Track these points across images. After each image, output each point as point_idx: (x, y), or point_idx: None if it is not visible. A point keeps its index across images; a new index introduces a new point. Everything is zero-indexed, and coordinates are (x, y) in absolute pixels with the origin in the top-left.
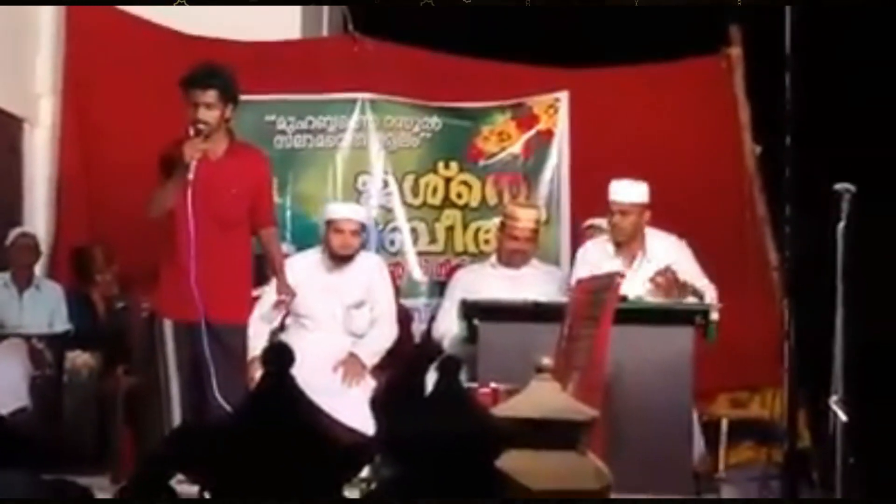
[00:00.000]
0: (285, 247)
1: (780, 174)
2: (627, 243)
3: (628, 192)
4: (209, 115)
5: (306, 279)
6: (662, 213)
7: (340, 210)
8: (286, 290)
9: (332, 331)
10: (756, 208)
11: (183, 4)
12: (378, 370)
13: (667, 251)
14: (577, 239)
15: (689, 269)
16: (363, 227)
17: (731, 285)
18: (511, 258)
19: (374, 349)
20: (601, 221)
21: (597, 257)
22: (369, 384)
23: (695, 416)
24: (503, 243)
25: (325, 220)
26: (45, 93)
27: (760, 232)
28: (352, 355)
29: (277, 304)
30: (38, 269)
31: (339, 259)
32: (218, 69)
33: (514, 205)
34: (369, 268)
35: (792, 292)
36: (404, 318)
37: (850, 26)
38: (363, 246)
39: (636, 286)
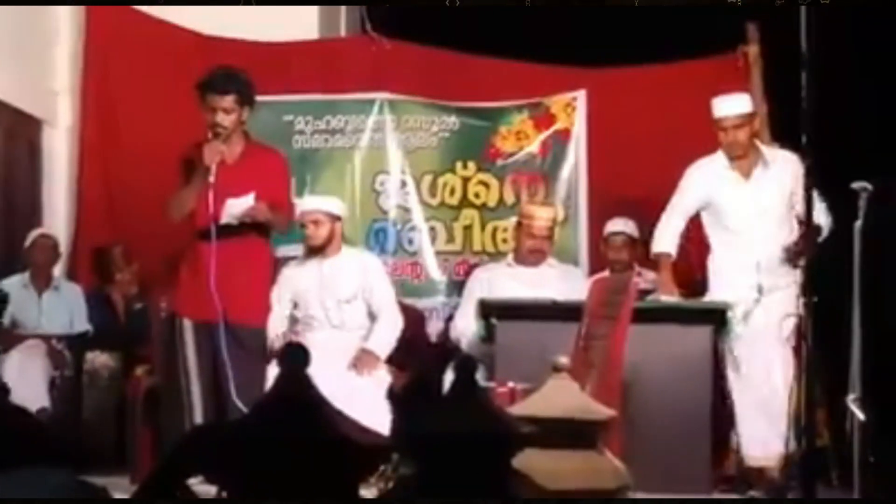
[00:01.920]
0: (297, 248)
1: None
2: (743, 157)
3: (733, 104)
4: (227, 120)
5: (296, 276)
6: None
7: (306, 202)
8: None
9: (328, 326)
10: None
11: (202, 4)
12: (395, 369)
13: (785, 162)
14: (596, 243)
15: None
16: (337, 218)
17: None
18: (528, 257)
19: (384, 340)
20: (621, 225)
21: (710, 175)
22: (385, 383)
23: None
24: (520, 242)
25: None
26: (63, 92)
27: None
28: (363, 350)
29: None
30: (58, 269)
31: (314, 251)
32: (235, 73)
33: (530, 203)
34: (361, 269)
35: (809, 290)
36: (418, 318)
37: (867, 22)
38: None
39: (760, 197)
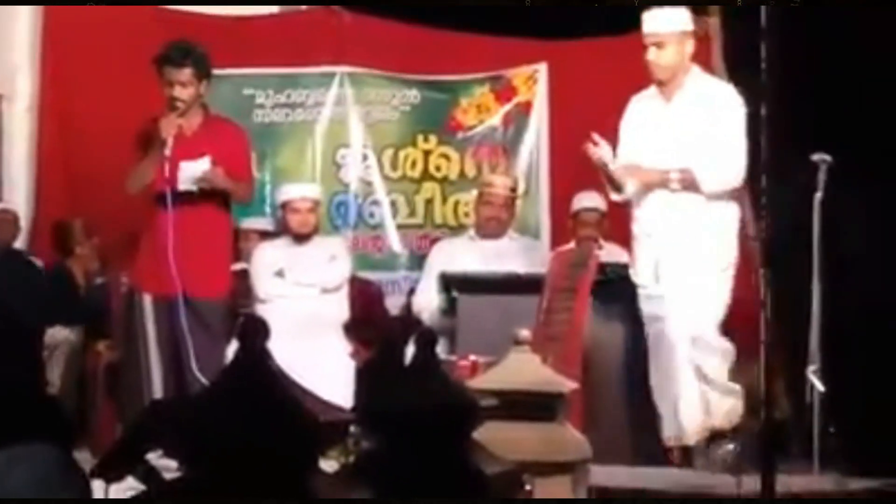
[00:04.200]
0: (264, 221)
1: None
2: (670, 81)
3: (663, 19)
4: (184, 93)
5: (275, 264)
6: None
7: (294, 190)
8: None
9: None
10: None
11: None
12: (356, 343)
13: (713, 99)
14: (558, 216)
15: (719, 144)
16: (317, 204)
17: None
18: (487, 226)
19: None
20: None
21: (642, 101)
22: (346, 357)
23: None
24: (479, 212)
25: (280, 203)
26: (22, 67)
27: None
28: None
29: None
30: (18, 244)
31: (299, 237)
32: (191, 47)
33: (490, 174)
34: (336, 248)
35: (769, 263)
36: (379, 292)
37: None
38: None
39: (672, 126)
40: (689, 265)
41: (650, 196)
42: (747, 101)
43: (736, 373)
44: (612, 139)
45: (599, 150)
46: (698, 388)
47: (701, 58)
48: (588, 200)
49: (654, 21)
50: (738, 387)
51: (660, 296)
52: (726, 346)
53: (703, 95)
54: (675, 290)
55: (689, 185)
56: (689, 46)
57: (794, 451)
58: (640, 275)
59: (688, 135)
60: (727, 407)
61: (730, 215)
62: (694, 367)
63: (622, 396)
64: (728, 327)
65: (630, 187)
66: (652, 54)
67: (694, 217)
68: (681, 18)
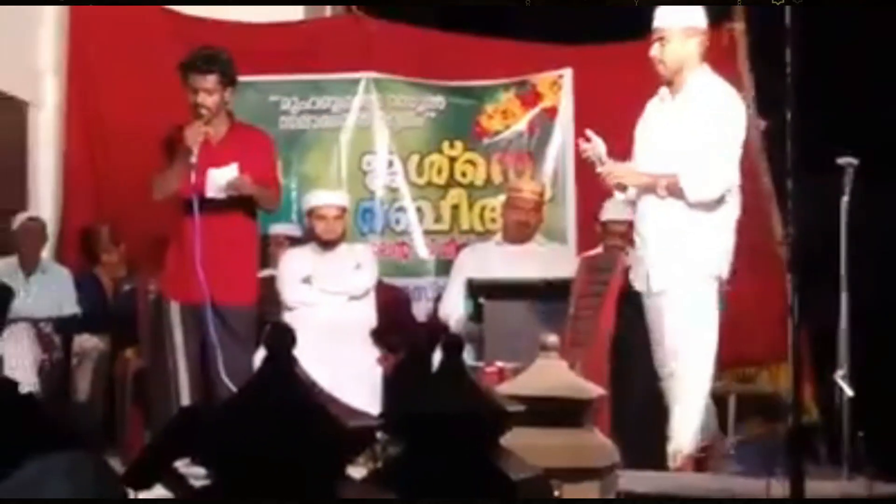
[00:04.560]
0: (291, 227)
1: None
2: (675, 80)
3: (668, 14)
4: (209, 100)
5: (302, 271)
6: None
7: (321, 197)
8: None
9: (324, 310)
10: (761, 183)
11: None
12: (383, 350)
13: (709, 101)
14: (585, 221)
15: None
16: (344, 211)
17: (737, 260)
18: (515, 231)
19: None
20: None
21: (652, 107)
22: (373, 364)
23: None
24: (507, 216)
25: (306, 210)
26: (48, 74)
27: (766, 206)
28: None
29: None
30: (45, 252)
31: (326, 244)
32: (216, 54)
33: (517, 179)
34: (362, 255)
35: (796, 267)
36: (406, 298)
37: None
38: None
39: (670, 127)
40: (676, 273)
41: (644, 199)
42: (772, 105)
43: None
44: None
45: (591, 147)
46: (675, 403)
47: (726, 62)
48: (617, 211)
49: (661, 16)
50: (709, 406)
51: (651, 304)
52: (705, 363)
53: (702, 97)
54: (664, 298)
55: (675, 192)
56: (695, 44)
57: (823, 455)
58: (636, 280)
59: (682, 137)
60: (693, 427)
61: (722, 221)
62: (675, 381)
63: (649, 401)
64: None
65: (631, 189)
66: (655, 49)
67: (684, 223)
68: (687, 14)
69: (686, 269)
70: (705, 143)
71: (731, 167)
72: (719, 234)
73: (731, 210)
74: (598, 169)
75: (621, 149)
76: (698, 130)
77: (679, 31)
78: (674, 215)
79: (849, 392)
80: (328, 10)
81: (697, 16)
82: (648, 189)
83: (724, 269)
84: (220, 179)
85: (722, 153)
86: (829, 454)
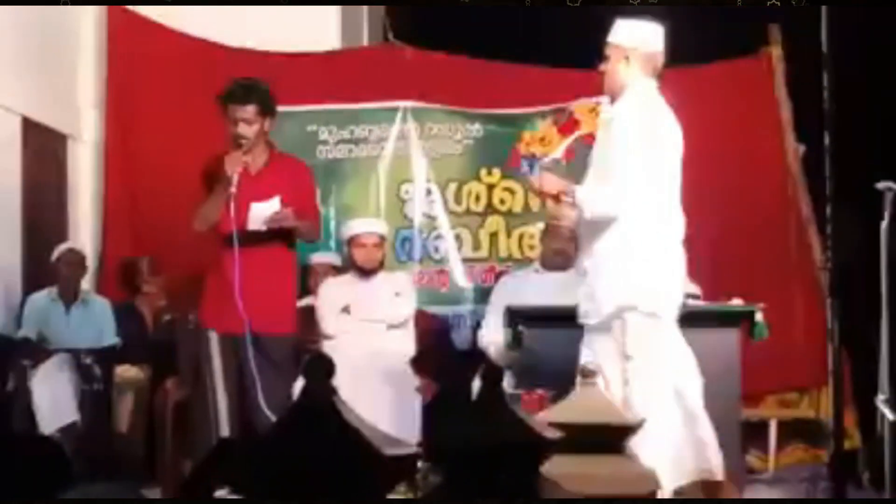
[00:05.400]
0: (330, 256)
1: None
2: (612, 96)
3: (617, 31)
4: (249, 130)
5: (341, 300)
6: (706, 215)
7: (361, 225)
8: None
9: (363, 339)
10: (800, 208)
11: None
12: (423, 379)
13: (619, 120)
14: None
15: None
16: (384, 239)
17: (778, 286)
18: (554, 258)
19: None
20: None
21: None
22: (412, 392)
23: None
24: (547, 244)
25: (345, 239)
26: (88, 107)
27: (805, 232)
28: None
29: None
30: (86, 283)
31: (365, 273)
32: (255, 84)
33: (556, 207)
34: (401, 284)
35: (836, 292)
36: (445, 326)
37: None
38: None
39: (601, 140)
40: (613, 306)
41: (582, 225)
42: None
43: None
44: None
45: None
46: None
47: (764, 88)
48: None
49: (612, 32)
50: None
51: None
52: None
53: (622, 117)
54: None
55: (577, 203)
56: (631, 64)
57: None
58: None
59: (603, 154)
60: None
61: (658, 251)
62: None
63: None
64: None
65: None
66: (602, 65)
67: (619, 252)
68: (623, 32)
69: (620, 300)
70: (606, 162)
71: (621, 189)
72: (653, 265)
73: (669, 238)
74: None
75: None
76: (606, 147)
77: (613, 49)
78: (608, 244)
79: (890, 416)
80: (365, 40)
81: (633, 35)
82: (560, 201)
83: (660, 306)
84: (263, 213)
85: (617, 174)
86: (871, 479)
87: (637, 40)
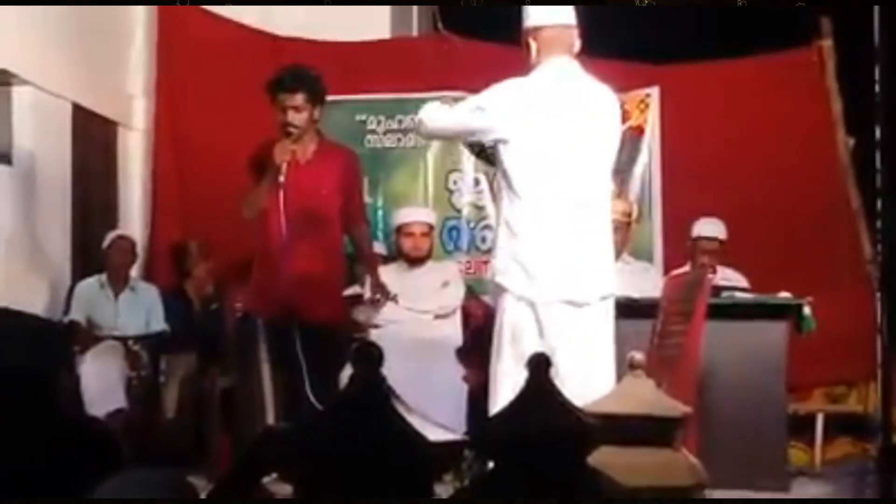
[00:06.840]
0: (377, 246)
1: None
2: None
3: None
4: (298, 118)
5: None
6: (756, 209)
7: (409, 214)
8: (381, 290)
9: (411, 327)
10: (850, 201)
11: (280, 4)
12: (470, 368)
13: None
14: (672, 239)
15: None
16: (432, 229)
17: (827, 279)
18: None
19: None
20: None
21: None
22: (459, 381)
23: None
24: None
25: (395, 227)
26: (137, 94)
27: (855, 225)
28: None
29: (373, 303)
30: (134, 270)
31: (413, 261)
32: (304, 72)
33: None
34: (449, 274)
35: (886, 286)
36: (490, 316)
37: None
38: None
39: None
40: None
41: None
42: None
43: None
44: (723, 160)
45: None
46: None
47: (815, 81)
48: (709, 228)
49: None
50: None
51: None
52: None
53: None
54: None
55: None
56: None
57: None
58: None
59: None
60: None
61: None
62: None
63: (738, 420)
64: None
65: None
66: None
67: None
68: (528, 13)
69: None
70: None
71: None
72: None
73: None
74: None
75: (707, 167)
76: None
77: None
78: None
79: None
80: (415, 30)
81: (534, 13)
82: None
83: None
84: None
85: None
86: None
87: (527, 17)
